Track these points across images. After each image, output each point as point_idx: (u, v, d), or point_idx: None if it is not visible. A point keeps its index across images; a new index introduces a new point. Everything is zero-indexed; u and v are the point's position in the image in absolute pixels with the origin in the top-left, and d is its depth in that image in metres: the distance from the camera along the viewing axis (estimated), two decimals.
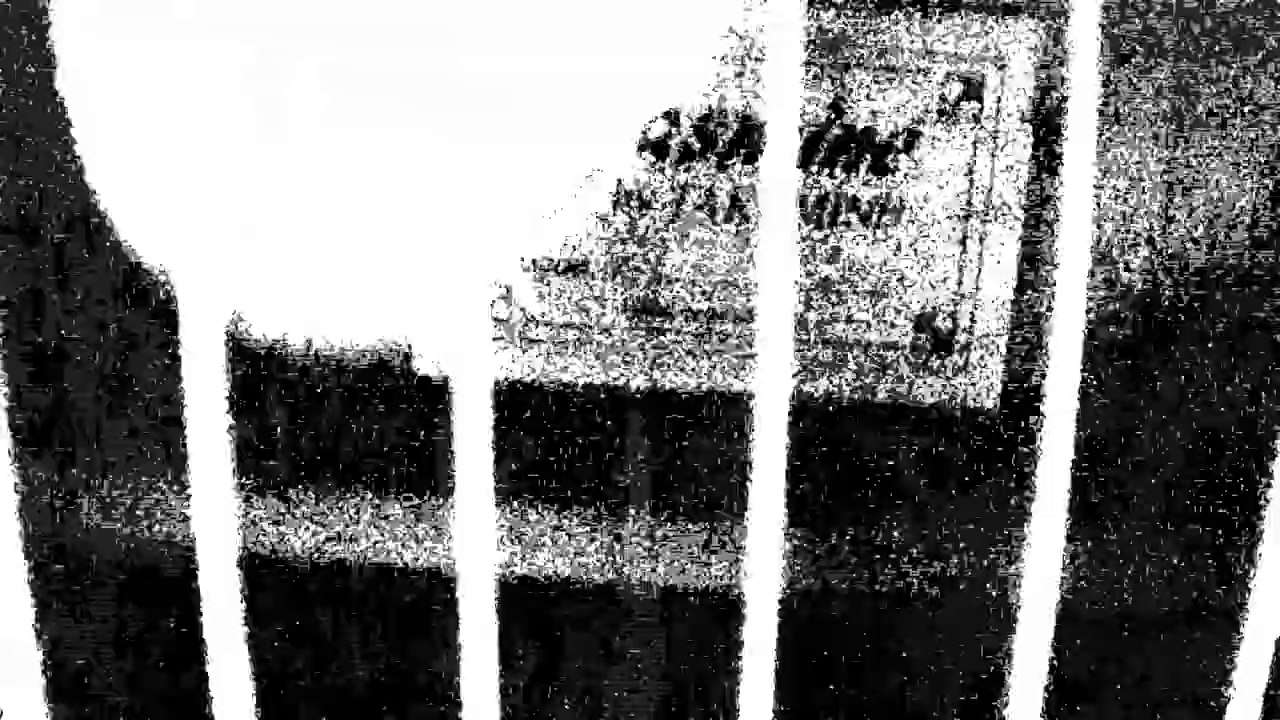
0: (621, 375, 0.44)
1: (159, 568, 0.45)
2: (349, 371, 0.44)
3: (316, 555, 0.46)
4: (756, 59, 0.42)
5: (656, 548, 0.45)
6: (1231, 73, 0.42)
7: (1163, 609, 0.46)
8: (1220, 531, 0.45)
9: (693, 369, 0.44)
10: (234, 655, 0.26)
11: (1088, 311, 0.44)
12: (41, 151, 0.43)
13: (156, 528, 0.45)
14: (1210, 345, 0.44)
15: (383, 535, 0.46)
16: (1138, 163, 0.43)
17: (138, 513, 0.45)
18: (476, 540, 0.22)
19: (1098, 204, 0.43)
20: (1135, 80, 0.42)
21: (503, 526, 0.45)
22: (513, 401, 0.44)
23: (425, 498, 0.45)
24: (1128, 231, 0.43)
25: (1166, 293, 0.44)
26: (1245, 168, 0.43)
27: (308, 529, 0.45)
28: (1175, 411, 0.44)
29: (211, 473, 0.23)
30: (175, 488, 0.45)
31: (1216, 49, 0.42)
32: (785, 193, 0.22)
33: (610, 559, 0.45)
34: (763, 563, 0.22)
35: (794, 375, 0.44)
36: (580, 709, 0.47)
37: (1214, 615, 0.45)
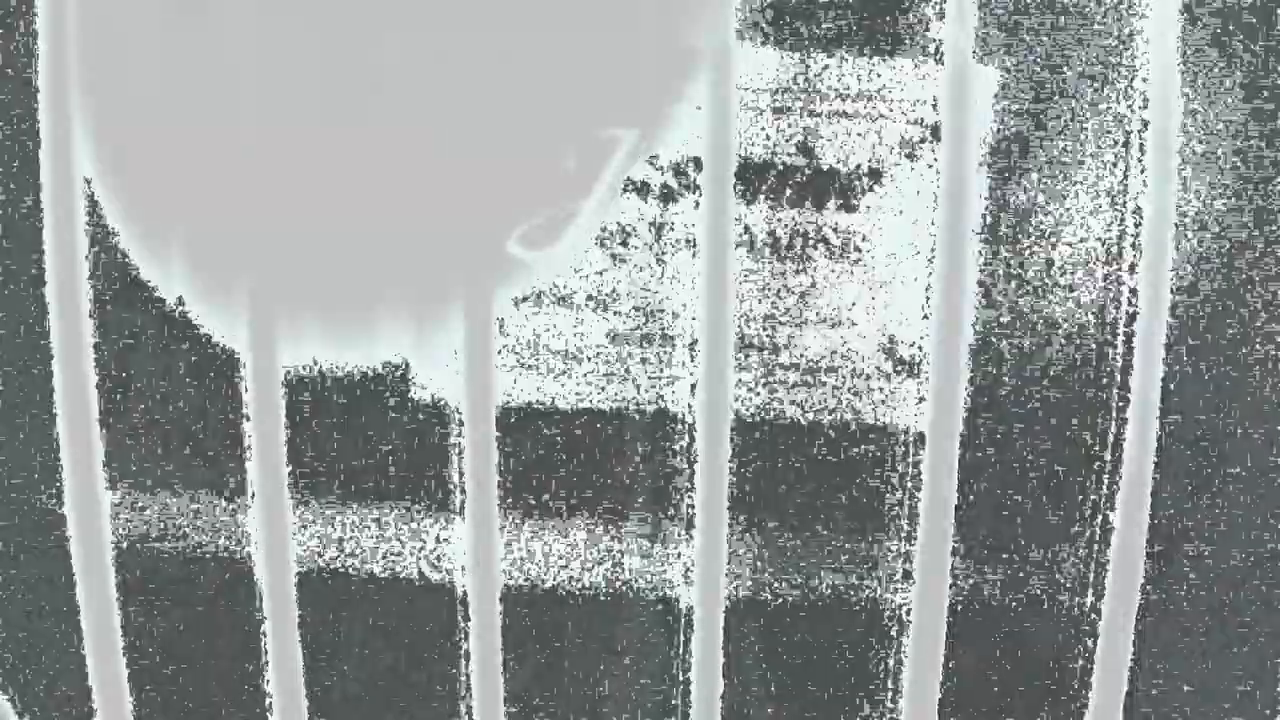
0: (609, 399, 0.47)
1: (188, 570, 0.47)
2: (350, 387, 0.46)
3: (317, 564, 0.47)
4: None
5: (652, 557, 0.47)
6: None
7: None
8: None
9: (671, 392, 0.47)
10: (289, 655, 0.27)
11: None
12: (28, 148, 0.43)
13: (196, 534, 0.47)
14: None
15: (385, 547, 0.47)
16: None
17: (143, 517, 0.47)
18: (482, 554, 0.24)
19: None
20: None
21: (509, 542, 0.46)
22: (506, 424, 0.46)
23: (426, 511, 0.47)
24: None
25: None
26: None
27: (312, 539, 0.47)
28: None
29: (264, 483, 0.25)
30: (185, 494, 0.46)
31: None
32: (723, 225, 0.24)
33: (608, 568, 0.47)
34: (708, 571, 0.24)
35: (760, 399, 0.47)
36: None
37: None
